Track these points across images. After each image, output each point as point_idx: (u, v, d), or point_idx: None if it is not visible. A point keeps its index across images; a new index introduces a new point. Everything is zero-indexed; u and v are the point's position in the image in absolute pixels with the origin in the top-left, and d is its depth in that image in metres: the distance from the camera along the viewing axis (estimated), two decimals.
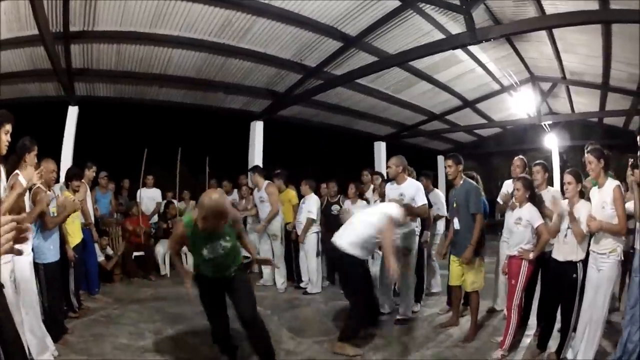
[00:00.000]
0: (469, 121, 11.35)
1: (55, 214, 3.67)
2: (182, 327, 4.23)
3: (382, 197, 4.97)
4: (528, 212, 3.55)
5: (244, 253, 3.41)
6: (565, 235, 3.26)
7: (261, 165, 7.30)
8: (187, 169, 8.60)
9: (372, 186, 6.05)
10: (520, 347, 3.71)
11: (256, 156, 8.24)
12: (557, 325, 3.45)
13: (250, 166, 7.21)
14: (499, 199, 4.58)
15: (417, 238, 4.66)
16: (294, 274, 6.27)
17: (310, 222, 5.81)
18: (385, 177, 5.49)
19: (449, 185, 4.42)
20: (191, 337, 3.96)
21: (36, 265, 3.31)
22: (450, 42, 5.53)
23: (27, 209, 3.04)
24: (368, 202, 5.88)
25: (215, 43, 5.96)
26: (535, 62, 8.37)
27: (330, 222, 5.74)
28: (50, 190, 3.84)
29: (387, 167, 4.64)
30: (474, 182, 4.22)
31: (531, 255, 3.46)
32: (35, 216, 3.23)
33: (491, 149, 13.97)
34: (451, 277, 4.20)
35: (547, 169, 4.11)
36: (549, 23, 5.09)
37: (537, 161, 4.13)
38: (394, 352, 3.71)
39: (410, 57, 6.10)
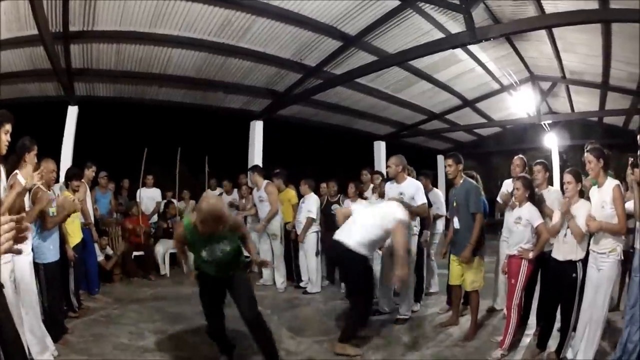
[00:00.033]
0: (468, 120, 11.34)
1: (55, 214, 3.67)
2: (182, 327, 4.23)
3: (382, 197, 4.97)
4: (528, 212, 3.55)
5: (245, 252, 3.42)
6: (565, 235, 3.25)
7: (261, 165, 7.31)
8: (186, 169, 8.62)
9: (371, 185, 6.05)
10: (520, 346, 3.71)
11: (256, 156, 8.24)
12: (557, 324, 3.45)
13: (250, 165, 7.21)
14: (498, 198, 4.58)
15: (416, 238, 4.66)
16: (293, 274, 6.27)
17: (310, 221, 5.81)
18: (385, 177, 5.49)
19: (449, 184, 4.42)
20: (191, 337, 3.96)
21: (36, 265, 3.31)
22: (450, 42, 5.53)
23: (27, 209, 3.05)
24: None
25: (215, 43, 5.95)
26: (535, 61, 8.37)
27: (330, 221, 5.73)
28: (50, 190, 3.84)
29: (387, 166, 4.64)
30: (474, 182, 4.23)
31: (531, 255, 3.46)
32: (35, 215, 3.22)
33: (491, 148, 13.97)
34: (451, 276, 4.20)
35: (548, 168, 4.11)
36: (549, 22, 5.08)
37: (538, 160, 4.12)
38: (393, 352, 3.70)
39: (409, 57, 6.09)
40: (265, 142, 8.46)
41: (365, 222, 3.73)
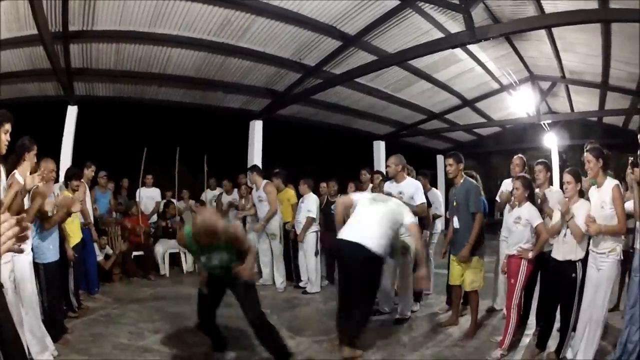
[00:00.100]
0: (468, 120, 11.34)
1: (54, 212, 3.66)
2: (181, 327, 4.22)
3: None
4: (527, 212, 3.55)
5: None
6: (565, 235, 3.25)
7: (260, 165, 7.31)
8: (186, 168, 8.61)
9: (370, 185, 6.05)
10: (519, 346, 3.71)
11: (255, 155, 8.23)
12: (557, 324, 3.45)
13: (249, 165, 7.21)
14: (497, 198, 4.59)
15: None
16: (292, 274, 6.27)
17: (310, 221, 5.80)
18: (385, 176, 5.49)
19: (449, 184, 4.42)
20: (191, 336, 3.94)
21: (36, 265, 3.31)
22: (450, 41, 5.53)
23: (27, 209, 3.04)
24: None
25: (214, 42, 5.94)
26: (534, 61, 8.36)
27: (330, 221, 5.73)
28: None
29: (387, 166, 4.65)
30: (474, 181, 4.23)
31: (530, 255, 3.46)
32: (35, 213, 3.21)
33: (490, 148, 13.96)
34: (451, 276, 4.20)
35: (549, 168, 4.11)
36: (548, 22, 5.08)
37: (539, 160, 4.12)
38: (393, 352, 3.71)
39: (409, 56, 6.09)
40: (265, 141, 8.45)
41: (378, 221, 3.57)
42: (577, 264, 3.19)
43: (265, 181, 6.10)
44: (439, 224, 5.66)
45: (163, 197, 7.73)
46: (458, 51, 7.08)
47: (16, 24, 4.89)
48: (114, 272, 6.33)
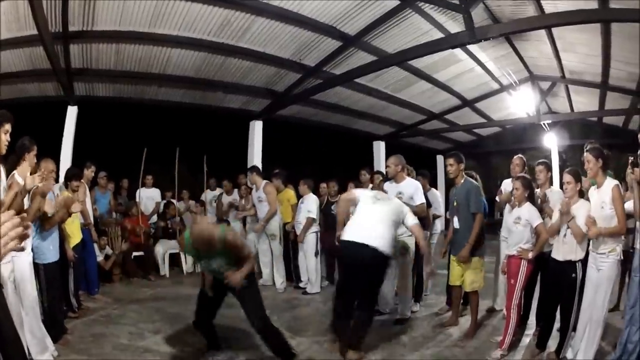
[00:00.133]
0: (468, 120, 11.33)
1: (54, 212, 3.66)
2: (181, 327, 4.22)
3: None
4: (527, 212, 3.55)
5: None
6: (565, 235, 3.25)
7: (260, 165, 7.31)
8: (186, 169, 8.60)
9: (370, 185, 6.04)
10: (519, 346, 3.72)
11: (255, 155, 8.22)
12: (557, 324, 3.45)
13: (249, 165, 7.21)
14: (497, 198, 4.59)
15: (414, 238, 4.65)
16: (292, 274, 6.27)
17: (310, 221, 5.80)
18: (385, 177, 5.49)
19: (449, 184, 4.42)
20: (191, 337, 3.94)
21: (36, 266, 3.32)
22: (449, 41, 5.52)
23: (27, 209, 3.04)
24: None
25: (214, 42, 5.94)
26: (534, 61, 8.36)
27: (330, 221, 5.74)
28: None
29: (386, 166, 4.65)
30: (475, 181, 4.23)
31: (530, 255, 3.46)
32: (35, 213, 3.21)
33: (490, 148, 13.96)
34: (451, 276, 4.20)
35: (550, 168, 4.11)
36: (548, 22, 5.08)
37: (540, 160, 4.13)
38: (393, 352, 3.71)
39: (409, 56, 6.08)
40: (265, 142, 8.44)
41: (382, 219, 3.55)
42: (577, 264, 3.19)
43: (265, 181, 6.10)
44: (439, 224, 5.66)
45: (163, 197, 7.74)
46: (458, 51, 7.08)
47: (16, 24, 4.88)
48: (114, 272, 6.33)
